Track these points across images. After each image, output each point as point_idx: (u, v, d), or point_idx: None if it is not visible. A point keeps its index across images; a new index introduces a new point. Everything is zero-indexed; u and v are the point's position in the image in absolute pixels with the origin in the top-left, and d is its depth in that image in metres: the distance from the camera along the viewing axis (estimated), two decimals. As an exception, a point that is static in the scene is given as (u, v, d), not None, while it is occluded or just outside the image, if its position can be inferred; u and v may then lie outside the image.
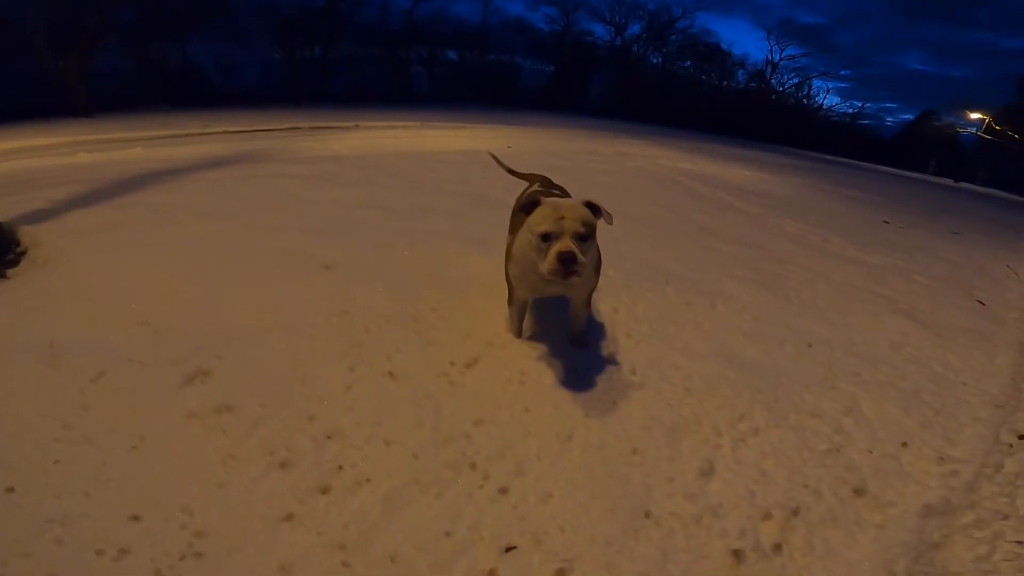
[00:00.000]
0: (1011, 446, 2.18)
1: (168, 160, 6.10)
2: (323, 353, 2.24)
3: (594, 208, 1.94)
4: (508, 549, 1.47)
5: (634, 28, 33.01)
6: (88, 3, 15.63)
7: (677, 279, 3.46)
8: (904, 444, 2.07)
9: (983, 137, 32.21)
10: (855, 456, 1.96)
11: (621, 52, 33.08)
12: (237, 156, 6.58)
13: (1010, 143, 30.15)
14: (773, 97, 37.61)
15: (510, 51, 30.05)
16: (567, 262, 1.78)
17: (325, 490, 1.61)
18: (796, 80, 38.43)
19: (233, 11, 21.09)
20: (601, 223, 1.98)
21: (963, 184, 27.15)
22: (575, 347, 2.45)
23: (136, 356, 2.08)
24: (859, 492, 1.79)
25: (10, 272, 2.71)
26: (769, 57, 37.39)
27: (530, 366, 2.28)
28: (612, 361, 2.40)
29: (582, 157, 8.84)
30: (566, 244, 1.79)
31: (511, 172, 3.09)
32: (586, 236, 1.86)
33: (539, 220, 1.86)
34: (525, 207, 1.98)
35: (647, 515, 1.61)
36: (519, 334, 2.48)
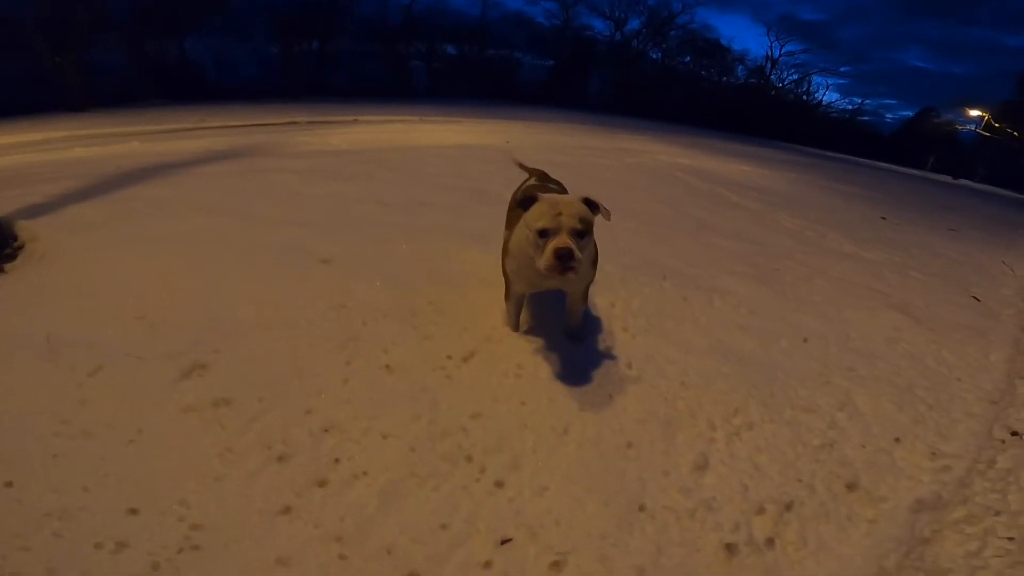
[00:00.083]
0: (1004, 442, 2.19)
1: (165, 155, 6.08)
2: (320, 347, 2.25)
3: (591, 205, 1.94)
4: (504, 542, 1.49)
5: (634, 23, 32.99)
6: None
7: (674, 274, 3.47)
8: (897, 439, 2.08)
9: (982, 134, 32.21)
10: (848, 451, 1.98)
11: (621, 47, 32.99)
12: (235, 151, 6.57)
13: (1009, 140, 30.16)
14: (773, 93, 37.58)
15: (509, 46, 30.01)
16: (564, 258, 1.78)
17: (322, 483, 1.62)
18: (796, 76, 38.49)
19: (231, 6, 20.97)
20: (599, 219, 1.98)
21: (962, 181, 27.16)
22: (572, 341, 2.46)
23: (133, 350, 2.08)
24: (852, 487, 1.80)
25: (7, 267, 2.71)
26: (769, 53, 37.43)
27: (527, 360, 2.28)
28: (608, 355, 2.41)
29: (581, 152, 8.84)
30: (563, 240, 1.80)
31: (523, 167, 3.09)
32: (583, 232, 1.86)
33: (536, 216, 1.87)
34: (522, 203, 1.98)
35: (641, 508, 1.62)
36: (516, 328, 2.49)
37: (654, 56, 34.35)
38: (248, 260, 2.94)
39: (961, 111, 34.43)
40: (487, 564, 1.43)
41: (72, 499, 1.47)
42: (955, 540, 1.65)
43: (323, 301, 2.59)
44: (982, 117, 31.77)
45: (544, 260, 1.82)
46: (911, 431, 2.15)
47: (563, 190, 2.74)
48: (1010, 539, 1.66)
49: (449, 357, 2.27)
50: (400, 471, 1.68)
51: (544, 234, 1.84)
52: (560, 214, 1.84)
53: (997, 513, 1.77)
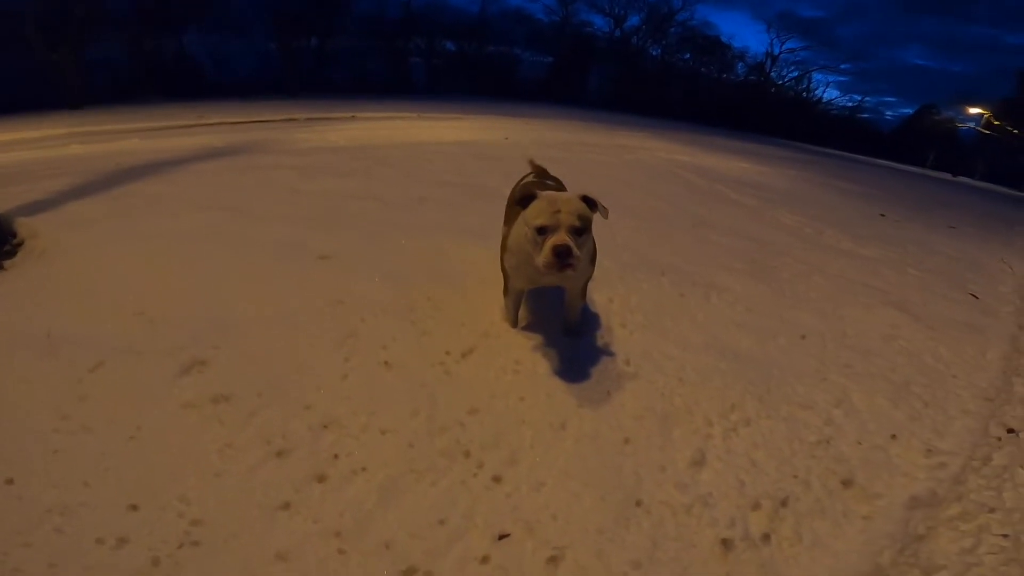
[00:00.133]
0: (1000, 439, 2.20)
1: (164, 151, 6.07)
2: (319, 343, 2.25)
3: (590, 202, 1.95)
4: (501, 537, 1.50)
5: (633, 20, 32.94)
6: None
7: (672, 270, 3.48)
8: (893, 436, 2.09)
9: (982, 132, 32.22)
10: (844, 448, 1.99)
11: (620, 44, 32.93)
12: (233, 147, 6.56)
13: (1009, 138, 30.17)
14: (772, 90, 37.55)
15: (509, 42, 29.98)
16: (562, 255, 1.79)
17: (321, 479, 1.63)
18: (796, 73, 38.47)
19: (229, 3, 20.91)
20: (597, 216, 1.99)
21: (961, 178, 27.17)
22: (570, 337, 2.47)
23: (133, 347, 2.09)
24: (847, 483, 1.81)
25: (7, 263, 2.71)
26: (769, 50, 37.39)
27: (525, 356, 2.29)
28: (606, 351, 2.42)
29: (580, 149, 8.83)
30: (561, 237, 1.81)
31: (533, 165, 3.09)
32: (582, 230, 1.87)
33: (535, 213, 1.88)
34: (521, 201, 1.99)
35: (638, 504, 1.64)
36: (515, 324, 2.50)
37: (654, 53, 34.34)
38: (247, 256, 2.94)
39: (961, 109, 34.45)
40: (485, 559, 1.44)
41: (73, 495, 1.48)
42: (949, 537, 1.66)
43: (322, 297, 2.59)
44: (982, 115, 31.78)
45: (543, 257, 1.82)
46: (907, 428, 2.16)
47: (561, 187, 2.74)
48: (1004, 536, 1.67)
49: (447, 353, 2.27)
50: (398, 467, 1.69)
51: (543, 231, 1.85)
52: (559, 211, 1.84)
53: (992, 510, 1.78)
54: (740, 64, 37.03)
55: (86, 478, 1.53)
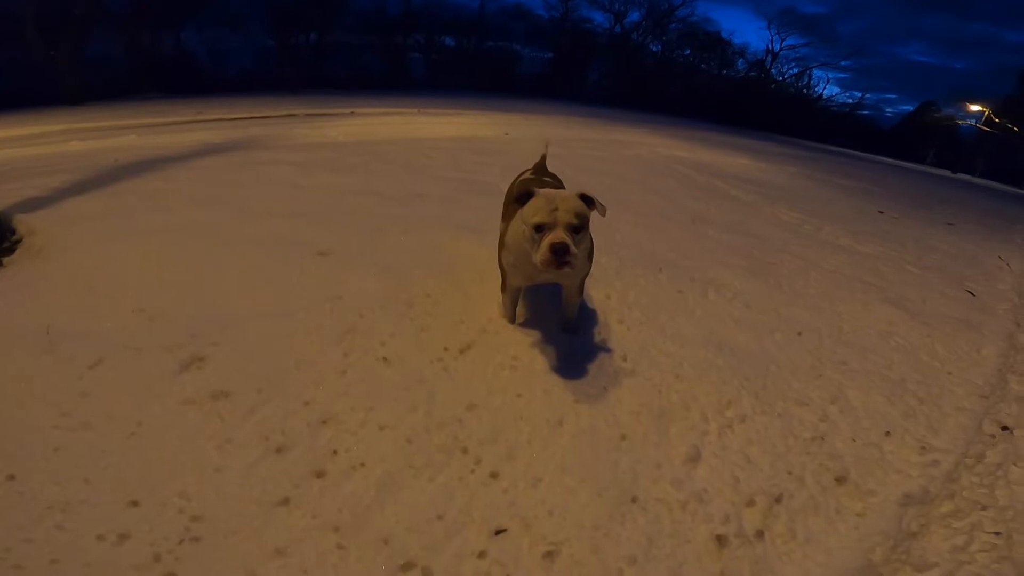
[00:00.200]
0: (994, 437, 2.21)
1: (162, 148, 6.07)
2: (318, 339, 2.26)
3: (587, 200, 1.96)
4: (498, 532, 1.51)
5: (633, 16, 32.78)
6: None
7: (670, 266, 3.49)
8: (887, 433, 2.11)
9: (982, 129, 32.21)
10: (839, 444, 2.00)
11: (620, 40, 32.80)
12: (232, 143, 6.55)
13: (1009, 136, 30.17)
14: (773, 87, 37.45)
15: (508, 38, 29.86)
16: (560, 253, 1.80)
17: (320, 474, 1.64)
18: (796, 70, 38.32)
19: (227, -2, 20.84)
20: (595, 213, 2.00)
21: (961, 175, 27.16)
22: (567, 333, 2.48)
23: (132, 343, 2.10)
24: (841, 480, 1.83)
25: (6, 261, 2.72)
26: (769, 46, 37.24)
27: (523, 352, 2.30)
28: (604, 347, 2.43)
29: (579, 145, 8.82)
30: (559, 235, 1.82)
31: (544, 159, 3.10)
32: (579, 227, 1.88)
33: (533, 211, 1.88)
34: (519, 198, 1.99)
35: (634, 500, 1.65)
36: (513, 320, 2.51)
37: (654, 49, 34.21)
38: (245, 253, 2.95)
39: (961, 106, 34.42)
40: (482, 554, 1.45)
41: (74, 491, 1.49)
42: (942, 534, 1.67)
43: (320, 293, 2.60)
44: (982, 112, 31.76)
45: (540, 255, 1.83)
46: (901, 425, 2.17)
47: (559, 183, 2.75)
48: (996, 534, 1.68)
49: (446, 349, 2.29)
50: (397, 462, 1.71)
51: (540, 229, 1.86)
52: (556, 209, 1.85)
53: (984, 508, 1.79)
54: (740, 60, 36.95)
55: (86, 475, 1.54)
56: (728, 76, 36.54)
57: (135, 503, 1.47)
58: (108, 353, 2.03)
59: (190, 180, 4.41)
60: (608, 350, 2.41)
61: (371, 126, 9.42)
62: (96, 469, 1.56)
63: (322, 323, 2.37)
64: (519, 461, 1.75)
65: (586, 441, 1.86)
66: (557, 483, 1.68)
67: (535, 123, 12.39)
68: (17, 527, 1.38)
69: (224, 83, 19.14)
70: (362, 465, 1.68)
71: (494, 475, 1.69)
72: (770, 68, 37.43)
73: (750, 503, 1.69)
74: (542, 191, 1.95)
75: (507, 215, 2.45)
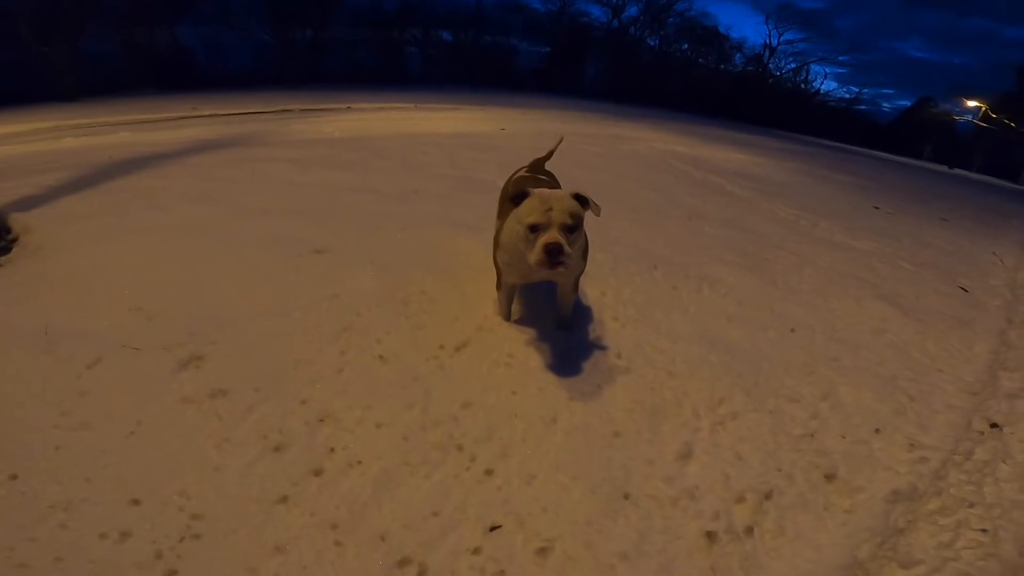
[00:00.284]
0: (982, 434, 2.23)
1: (157, 144, 6.06)
2: (315, 337, 2.28)
3: (582, 200, 1.98)
4: (493, 528, 1.54)
5: (631, 10, 32.64)
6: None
7: (665, 263, 3.51)
8: (877, 430, 2.13)
9: (979, 125, 32.29)
10: (829, 441, 2.03)
11: (618, 34, 32.69)
12: (227, 140, 6.54)
13: (1006, 131, 30.25)
14: (770, 81, 37.40)
15: (505, 32, 29.72)
16: (554, 253, 1.82)
17: (318, 472, 1.66)
18: (794, 65, 38.28)
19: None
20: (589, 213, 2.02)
21: (957, 171, 27.22)
22: (562, 330, 2.50)
23: (130, 342, 2.11)
24: (830, 477, 1.85)
25: (2, 260, 2.73)
26: (767, 41, 37.25)
27: (518, 349, 2.33)
28: (598, 344, 2.45)
29: (575, 140, 8.80)
30: (553, 236, 1.84)
31: (550, 154, 3.11)
32: (573, 227, 1.90)
33: (527, 212, 1.90)
34: (514, 198, 2.01)
35: (626, 496, 1.68)
36: (508, 317, 2.53)
37: (651, 43, 34.11)
38: (242, 251, 2.96)
39: (959, 101, 34.50)
40: (476, 550, 1.48)
41: (75, 490, 1.51)
42: (928, 531, 1.69)
43: (317, 291, 2.62)
44: (979, 107, 31.82)
45: (534, 255, 1.86)
46: (891, 422, 2.20)
47: (554, 181, 2.77)
48: (983, 531, 1.70)
49: (441, 347, 2.31)
50: (393, 460, 1.73)
51: (535, 229, 1.88)
52: (550, 209, 1.87)
53: (971, 505, 1.81)
54: (738, 55, 36.90)
55: (87, 474, 1.56)
56: (726, 71, 36.49)
57: (136, 502, 1.50)
58: (106, 352, 2.04)
59: (185, 177, 4.41)
60: (602, 347, 2.43)
61: (368, 122, 9.40)
62: (96, 468, 1.58)
63: (319, 321, 2.39)
64: (513, 458, 1.78)
65: (580, 438, 1.89)
66: (551, 480, 1.71)
67: (532, 118, 12.37)
68: (21, 526, 1.40)
69: (220, 79, 19.01)
70: (359, 463, 1.71)
71: (489, 472, 1.72)
72: (768, 63, 37.42)
73: (740, 500, 1.71)
74: (537, 191, 1.97)
75: (502, 213, 2.47)
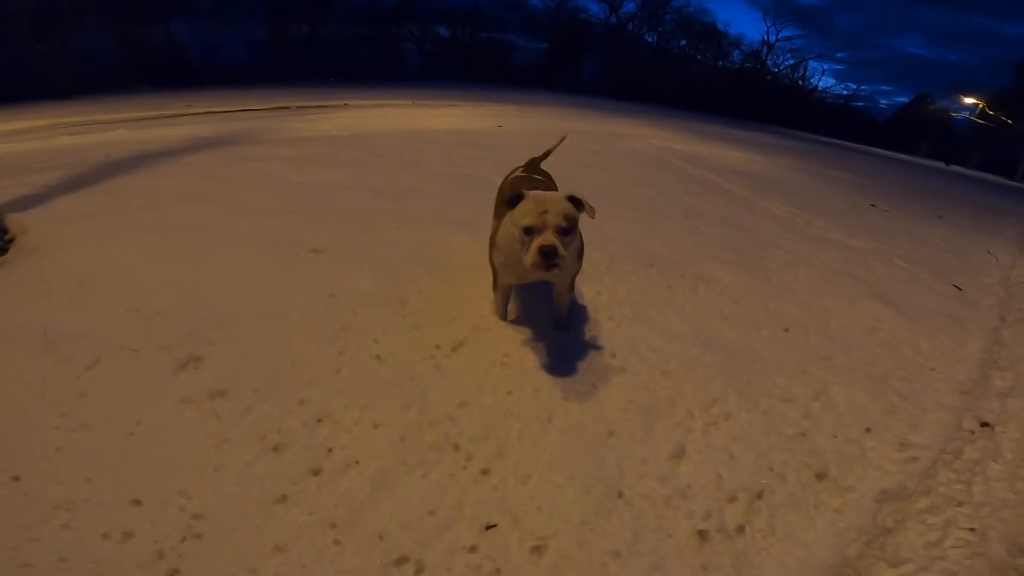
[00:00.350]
0: (973, 433, 2.26)
1: (153, 142, 6.04)
2: (312, 337, 2.30)
3: (577, 202, 2.00)
4: (488, 527, 1.57)
5: (629, 6, 32.53)
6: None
7: (661, 261, 3.53)
8: (868, 429, 2.16)
9: (976, 121, 32.36)
10: (820, 441, 2.06)
11: (616, 30, 32.60)
12: (224, 137, 6.53)
13: (1003, 128, 30.34)
14: (768, 78, 37.39)
15: (503, 28, 29.61)
16: (548, 256, 1.85)
17: (316, 472, 1.68)
18: (792, 61, 38.28)
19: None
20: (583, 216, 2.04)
21: (954, 167, 27.29)
22: (558, 330, 2.52)
23: (129, 343, 2.13)
24: (821, 476, 1.88)
25: (0, 260, 2.73)
26: (765, 38, 37.16)
27: (514, 349, 2.35)
28: (593, 344, 2.48)
29: (573, 137, 8.71)
30: (547, 238, 1.86)
31: (548, 154, 3.12)
32: (568, 230, 1.92)
33: (522, 214, 1.92)
34: (510, 201, 2.03)
35: (620, 496, 1.70)
36: (504, 317, 2.55)
37: (649, 40, 34.04)
38: (239, 251, 2.97)
39: (956, 98, 34.59)
40: (472, 548, 1.50)
41: (77, 491, 1.53)
42: (917, 530, 1.72)
43: (314, 291, 2.63)
44: (977, 104, 31.90)
45: (529, 258, 1.88)
46: (882, 421, 2.23)
47: (550, 180, 2.78)
48: (971, 530, 1.72)
49: (438, 346, 2.33)
50: (390, 460, 1.75)
51: (530, 231, 1.90)
52: (545, 212, 1.89)
53: (960, 504, 1.84)
54: (736, 52, 36.86)
55: (89, 474, 1.58)
56: (724, 67, 36.45)
57: (137, 502, 1.52)
58: (105, 353, 2.06)
59: (182, 176, 4.41)
60: (598, 347, 2.46)
61: (364, 119, 9.38)
62: (97, 469, 1.60)
63: (316, 321, 2.40)
64: (509, 458, 1.80)
65: (574, 438, 1.91)
66: (546, 479, 1.73)
67: (530, 115, 12.37)
68: (24, 526, 1.42)
69: (216, 75, 18.87)
70: (357, 463, 1.73)
71: (485, 472, 1.74)
72: (766, 59, 37.41)
73: (732, 499, 1.74)
74: (532, 193, 1.99)
75: (499, 213, 2.49)
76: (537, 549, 1.52)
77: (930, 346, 3.01)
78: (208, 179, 4.35)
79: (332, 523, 1.53)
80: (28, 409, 1.78)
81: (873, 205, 7.45)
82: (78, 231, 3.04)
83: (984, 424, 2.33)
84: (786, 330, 2.90)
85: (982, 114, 31.86)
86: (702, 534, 1.61)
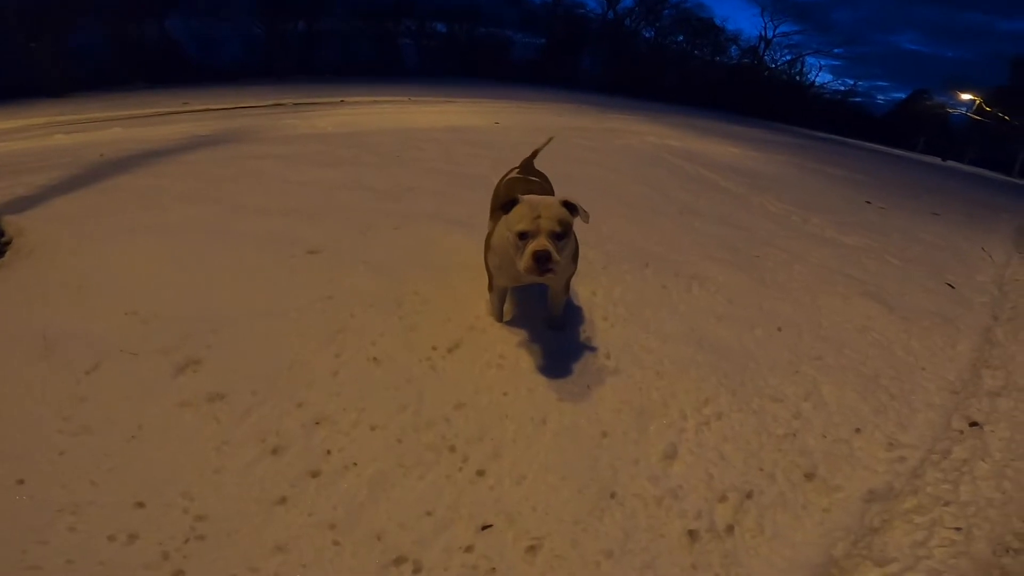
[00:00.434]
0: (961, 432, 2.29)
1: (149, 141, 6.03)
2: (310, 340, 2.32)
3: (571, 207, 2.03)
4: (484, 527, 1.60)
5: (627, 2, 32.52)
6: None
7: (656, 261, 3.55)
8: (857, 429, 2.19)
9: (973, 118, 32.43)
10: (810, 441, 2.09)
11: (613, 26, 32.56)
12: (220, 136, 6.52)
13: (999, 124, 30.41)
14: (766, 74, 37.41)
15: (501, 24, 29.50)
16: (542, 260, 1.87)
17: (315, 474, 1.71)
18: (789, 57, 38.33)
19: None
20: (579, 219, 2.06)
21: (950, 163, 27.34)
22: (553, 331, 2.55)
23: (127, 347, 2.14)
24: (809, 476, 1.91)
25: (-2, 262, 2.74)
26: (763, 33, 37.23)
27: (509, 350, 2.37)
28: (588, 345, 2.50)
29: (569, 133, 8.81)
30: (541, 243, 1.89)
31: (536, 154, 3.14)
32: (562, 235, 1.95)
33: (517, 219, 1.95)
34: (504, 205, 2.05)
35: (612, 496, 1.74)
36: (499, 318, 2.58)
37: (647, 35, 34.02)
38: (236, 252, 2.98)
39: (953, 94, 34.65)
40: (469, 548, 1.54)
41: (82, 494, 1.55)
42: (903, 530, 1.75)
43: (311, 292, 2.65)
44: (974, 101, 31.96)
45: (523, 262, 1.90)
46: (871, 421, 2.26)
47: (546, 181, 2.80)
48: (957, 529, 1.75)
49: (434, 348, 2.35)
50: (388, 461, 1.78)
51: (524, 236, 1.93)
52: (539, 217, 1.92)
53: (946, 504, 1.87)
54: (733, 47, 36.89)
55: (92, 477, 1.60)
56: (721, 63, 36.45)
57: (141, 504, 1.54)
58: (104, 357, 2.07)
59: (179, 176, 4.40)
60: (592, 348, 2.48)
61: (361, 116, 9.37)
62: (101, 472, 1.62)
63: (314, 323, 2.43)
64: (504, 459, 1.83)
65: (568, 439, 1.95)
66: (540, 480, 1.77)
67: (527, 111, 12.36)
68: (31, 529, 1.44)
69: (212, 72, 18.81)
70: (355, 464, 1.76)
71: (480, 473, 1.77)
72: (763, 55, 37.44)
73: (722, 499, 1.78)
74: (526, 198, 2.02)
75: (494, 214, 2.51)
76: (532, 549, 1.55)
77: (921, 345, 3.04)
78: (205, 179, 4.35)
79: (331, 524, 1.56)
80: (30, 413, 1.80)
81: (869, 202, 7.48)
82: (74, 233, 3.04)
83: (973, 423, 2.36)
84: (779, 329, 2.94)
85: (979, 110, 31.94)
86: (692, 534, 1.64)
